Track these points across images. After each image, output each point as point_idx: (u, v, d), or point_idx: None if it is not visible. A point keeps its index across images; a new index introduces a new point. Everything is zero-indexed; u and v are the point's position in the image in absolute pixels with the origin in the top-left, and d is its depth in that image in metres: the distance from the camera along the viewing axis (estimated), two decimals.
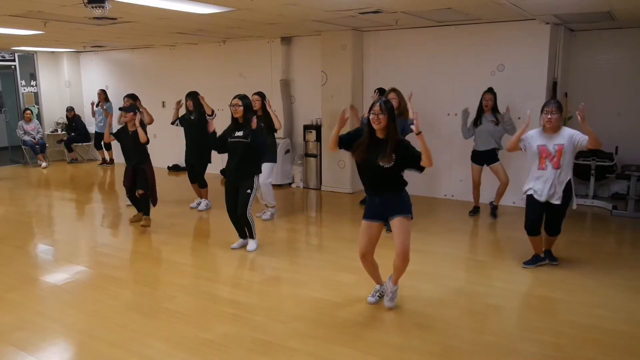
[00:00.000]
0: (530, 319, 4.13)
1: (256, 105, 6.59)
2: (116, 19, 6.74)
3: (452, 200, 8.09)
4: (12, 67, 12.17)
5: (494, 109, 6.66)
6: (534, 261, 5.18)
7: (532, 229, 5.05)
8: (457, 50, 7.76)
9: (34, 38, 8.91)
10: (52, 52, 12.37)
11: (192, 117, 7.26)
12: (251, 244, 5.76)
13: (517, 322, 4.11)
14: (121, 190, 8.20)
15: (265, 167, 6.69)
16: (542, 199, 4.86)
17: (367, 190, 4.12)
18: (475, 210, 7.18)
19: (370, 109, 3.88)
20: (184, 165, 7.91)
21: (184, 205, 7.81)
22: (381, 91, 6.76)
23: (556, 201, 4.84)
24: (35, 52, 12.16)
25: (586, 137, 4.66)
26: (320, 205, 8.33)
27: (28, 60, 12.30)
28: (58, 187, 9.98)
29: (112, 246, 6.30)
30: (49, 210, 8.30)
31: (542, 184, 4.85)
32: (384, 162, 3.83)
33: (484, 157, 6.81)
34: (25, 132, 11.67)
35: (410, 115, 5.93)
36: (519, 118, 6.82)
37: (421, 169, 3.90)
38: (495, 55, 7.45)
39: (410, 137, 4.39)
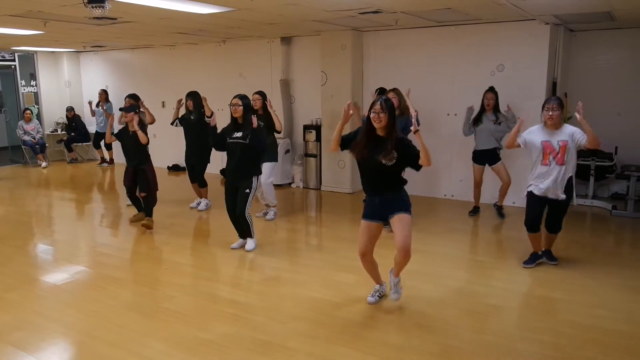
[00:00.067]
0: (530, 319, 4.13)
1: (257, 104, 6.59)
2: (116, 18, 6.74)
3: (452, 200, 8.09)
4: (12, 67, 12.16)
5: (496, 108, 6.65)
6: (533, 259, 5.20)
7: (532, 225, 5.06)
8: (457, 51, 7.76)
9: (34, 38, 8.90)
10: (52, 52, 12.37)
11: (192, 117, 7.26)
12: (250, 244, 5.76)
13: (517, 322, 4.11)
14: (121, 190, 8.21)
15: (266, 166, 6.70)
16: (548, 195, 4.87)
17: (366, 190, 4.11)
18: (475, 210, 7.18)
19: (371, 107, 3.89)
20: (184, 165, 7.91)
21: (184, 205, 7.80)
22: (382, 91, 6.76)
23: (560, 197, 4.86)
24: (35, 52, 12.16)
25: (585, 136, 4.67)
26: (320, 205, 8.33)
27: (28, 60, 12.30)
28: (58, 187, 9.98)
29: (111, 246, 6.30)
30: (48, 210, 8.30)
31: (546, 180, 4.85)
32: (386, 160, 3.84)
33: (485, 157, 6.80)
34: (25, 132, 11.67)
35: (412, 113, 5.93)
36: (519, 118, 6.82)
37: (418, 167, 3.91)
38: (495, 56, 7.45)
39: (411, 136, 4.38)
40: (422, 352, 3.56)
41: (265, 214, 7.12)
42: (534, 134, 4.90)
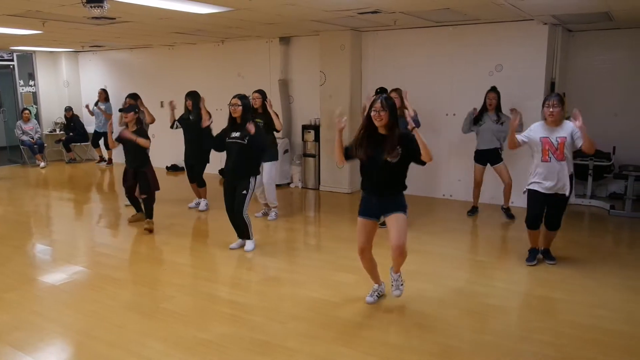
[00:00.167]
0: (530, 319, 4.13)
1: (256, 103, 6.58)
2: (115, 18, 6.73)
3: (451, 200, 8.09)
4: (11, 66, 12.14)
5: (498, 108, 6.65)
6: (533, 256, 5.24)
7: (533, 222, 5.09)
8: (456, 51, 7.77)
9: (32, 38, 8.89)
10: (51, 51, 12.35)
11: (191, 117, 7.24)
12: (248, 245, 5.75)
13: (517, 322, 4.11)
14: (120, 191, 8.20)
15: (267, 166, 6.70)
16: (550, 191, 4.89)
17: (366, 190, 4.10)
18: (473, 210, 7.18)
19: (371, 106, 3.89)
20: (183, 165, 7.89)
21: (183, 205, 7.79)
22: (382, 91, 6.75)
23: (563, 191, 4.88)
24: (34, 51, 12.14)
25: (582, 139, 4.70)
26: (318, 205, 8.33)
27: (26, 60, 12.28)
28: (56, 187, 9.96)
29: (110, 246, 6.29)
30: (47, 210, 8.29)
31: (548, 176, 4.88)
32: (390, 157, 3.84)
33: (486, 157, 6.79)
34: (24, 132, 11.65)
35: (410, 113, 5.94)
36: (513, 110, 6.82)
37: (422, 162, 3.92)
38: (493, 56, 7.46)
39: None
40: (422, 352, 3.55)
41: (265, 214, 7.12)
42: (533, 131, 4.95)
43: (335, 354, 3.55)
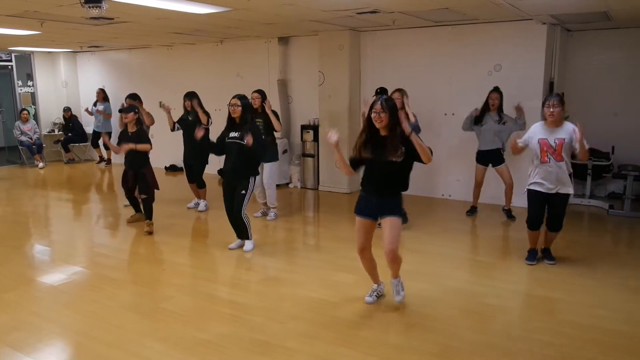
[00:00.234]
0: (530, 319, 4.13)
1: (256, 103, 6.58)
2: (113, 19, 6.72)
3: (450, 200, 8.09)
4: (9, 67, 12.13)
5: (500, 109, 6.64)
6: (534, 255, 5.24)
7: (534, 223, 5.10)
8: (455, 50, 7.77)
9: (30, 38, 8.87)
10: (49, 52, 12.33)
11: (190, 118, 7.23)
12: (247, 245, 5.74)
13: (517, 322, 4.10)
14: (119, 191, 8.18)
15: (268, 166, 6.70)
16: (550, 190, 4.90)
17: (366, 189, 4.10)
18: (472, 210, 7.17)
19: (371, 107, 3.89)
20: (182, 165, 7.88)
21: (182, 205, 7.78)
22: (382, 91, 6.74)
23: (564, 191, 4.89)
24: (32, 52, 12.12)
25: (576, 138, 4.70)
26: (317, 205, 8.33)
27: (25, 60, 12.26)
28: (55, 187, 9.94)
29: (109, 246, 6.28)
30: (45, 210, 8.27)
31: (547, 176, 4.89)
32: (394, 157, 3.84)
33: (488, 157, 6.76)
34: (22, 133, 11.63)
35: (411, 118, 5.94)
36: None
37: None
38: (492, 56, 7.46)
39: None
40: (422, 352, 3.55)
41: (264, 213, 7.12)
42: (532, 133, 4.97)
43: (335, 354, 3.54)
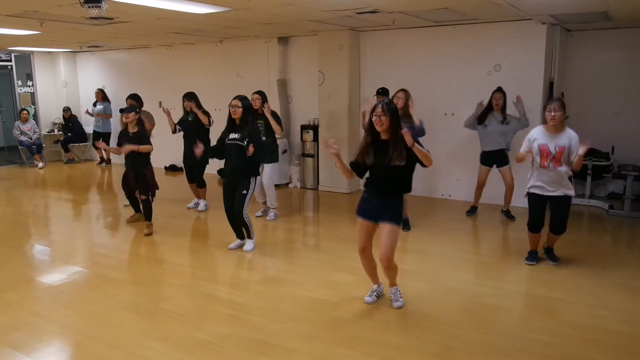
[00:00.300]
0: (530, 319, 4.13)
1: (256, 104, 6.57)
2: (113, 19, 6.72)
3: (450, 200, 8.09)
4: (9, 67, 12.12)
5: (503, 109, 6.62)
6: (534, 256, 5.24)
7: (535, 226, 5.10)
8: (454, 50, 7.76)
9: (30, 38, 8.87)
10: (49, 52, 12.33)
11: (190, 118, 7.24)
12: (248, 244, 5.74)
13: (517, 322, 4.10)
14: (119, 191, 8.18)
15: (268, 167, 6.69)
16: (551, 193, 4.90)
17: (368, 190, 4.10)
18: (472, 210, 7.17)
19: (372, 111, 3.89)
20: (181, 165, 7.87)
21: (182, 205, 7.78)
22: (384, 91, 6.73)
23: (564, 192, 4.89)
24: (32, 52, 12.11)
25: (576, 152, 4.71)
26: (317, 205, 8.32)
27: (24, 60, 12.26)
28: (55, 187, 9.94)
29: (109, 247, 6.27)
30: (45, 210, 8.27)
31: (546, 180, 4.90)
32: (397, 162, 3.84)
33: (493, 158, 6.74)
34: (22, 133, 11.63)
35: (416, 122, 5.93)
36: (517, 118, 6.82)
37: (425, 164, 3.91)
38: (492, 55, 7.46)
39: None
40: (421, 352, 3.55)
41: (264, 212, 7.12)
42: (533, 137, 4.94)
43: (335, 354, 3.54)
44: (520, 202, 6.75)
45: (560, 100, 4.92)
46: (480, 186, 6.98)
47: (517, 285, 4.86)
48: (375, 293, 4.37)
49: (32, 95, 12.47)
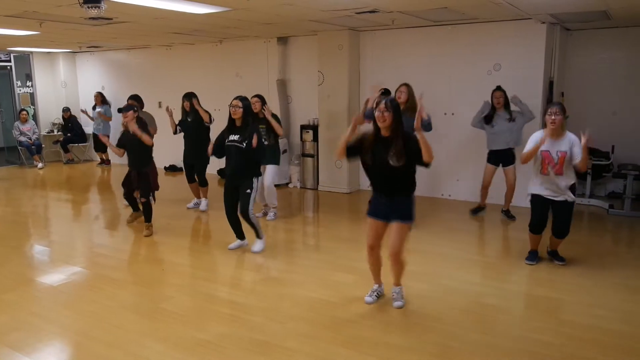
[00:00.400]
0: (530, 319, 4.13)
1: (256, 107, 6.55)
2: (112, 19, 6.71)
3: (450, 200, 8.09)
4: (8, 67, 12.11)
5: (506, 106, 6.61)
6: (534, 256, 5.24)
7: (537, 228, 5.10)
8: (454, 50, 7.76)
9: (29, 38, 8.87)
10: (48, 52, 12.32)
11: (190, 118, 7.23)
12: (257, 245, 5.68)
13: (517, 322, 4.10)
14: (118, 191, 8.17)
15: (269, 168, 6.68)
16: (553, 197, 4.90)
17: (375, 190, 4.11)
18: (478, 210, 7.12)
19: (376, 106, 3.89)
20: (181, 165, 7.87)
21: (182, 205, 7.78)
22: (386, 91, 6.72)
23: (565, 198, 4.88)
24: (31, 52, 12.11)
25: (580, 155, 4.70)
26: (317, 206, 8.32)
27: (24, 60, 12.25)
28: (54, 187, 9.94)
29: (109, 247, 6.27)
30: (45, 210, 8.26)
31: (547, 186, 4.91)
32: (395, 161, 3.84)
33: (500, 158, 6.71)
34: (21, 133, 11.63)
35: (424, 116, 5.91)
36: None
37: (424, 164, 3.88)
38: (491, 55, 7.46)
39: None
40: (421, 352, 3.55)
41: (265, 213, 7.12)
42: (533, 141, 4.90)
43: (335, 354, 3.54)
44: (522, 202, 6.75)
45: (560, 104, 4.93)
46: (486, 186, 6.95)
47: (517, 285, 4.86)
48: (375, 293, 4.37)
49: (32, 95, 12.47)
